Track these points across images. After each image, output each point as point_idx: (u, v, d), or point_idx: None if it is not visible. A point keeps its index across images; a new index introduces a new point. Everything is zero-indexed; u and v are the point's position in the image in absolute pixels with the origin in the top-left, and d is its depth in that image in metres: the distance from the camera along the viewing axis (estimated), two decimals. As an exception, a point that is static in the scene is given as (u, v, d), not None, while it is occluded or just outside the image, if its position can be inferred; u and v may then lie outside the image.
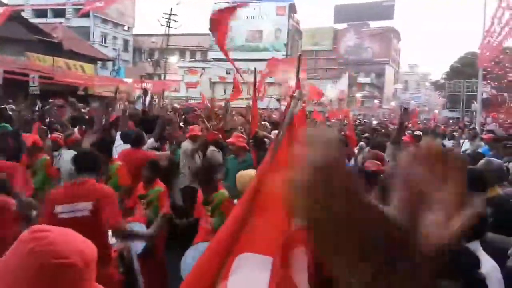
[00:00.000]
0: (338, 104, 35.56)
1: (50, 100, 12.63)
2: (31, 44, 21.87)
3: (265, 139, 5.10)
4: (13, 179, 3.45)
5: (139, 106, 9.36)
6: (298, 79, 2.16)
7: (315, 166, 0.43)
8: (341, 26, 63.71)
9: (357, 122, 16.39)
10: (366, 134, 8.10)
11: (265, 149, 4.41)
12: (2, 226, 3.15)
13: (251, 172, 1.89)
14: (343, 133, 6.73)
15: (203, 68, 41.99)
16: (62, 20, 35.79)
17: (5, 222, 3.35)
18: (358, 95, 52.83)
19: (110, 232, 2.78)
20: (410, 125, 12.66)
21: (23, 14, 25.06)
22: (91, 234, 2.65)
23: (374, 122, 15.35)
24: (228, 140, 5.09)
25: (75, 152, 5.31)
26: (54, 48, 23.53)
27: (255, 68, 5.34)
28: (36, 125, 5.07)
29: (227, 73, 34.81)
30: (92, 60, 27.76)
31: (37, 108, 11.19)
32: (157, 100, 10.77)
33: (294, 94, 1.45)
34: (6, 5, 17.71)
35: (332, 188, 0.42)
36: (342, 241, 0.41)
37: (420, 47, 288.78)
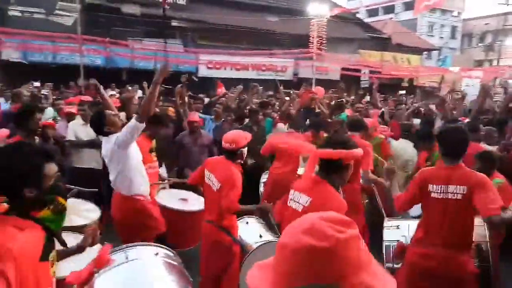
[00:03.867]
0: None
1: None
2: (363, 41, 24.28)
3: None
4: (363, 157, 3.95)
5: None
6: None
7: None
8: None
9: None
10: None
11: None
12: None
13: None
14: None
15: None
16: (391, 15, 37.66)
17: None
18: None
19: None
20: None
21: (358, 15, 28.14)
22: (459, 218, 2.71)
23: None
24: None
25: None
26: (383, 44, 25.21)
27: None
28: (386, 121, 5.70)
29: None
30: (418, 51, 27.87)
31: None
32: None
33: None
34: (342, 7, 20.45)
35: None
36: None
37: None
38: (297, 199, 2.26)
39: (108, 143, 3.36)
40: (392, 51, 25.09)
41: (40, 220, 1.61)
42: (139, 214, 3.43)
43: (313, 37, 18.63)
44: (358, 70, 22.08)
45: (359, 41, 23.99)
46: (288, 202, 2.36)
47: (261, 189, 5.11)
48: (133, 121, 3.20)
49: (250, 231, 3.45)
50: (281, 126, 6.14)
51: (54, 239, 1.68)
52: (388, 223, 3.62)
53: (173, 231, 3.82)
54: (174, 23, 18.77)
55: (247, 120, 6.35)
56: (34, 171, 1.57)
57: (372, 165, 4.03)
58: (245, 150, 3.33)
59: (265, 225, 3.76)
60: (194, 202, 4.18)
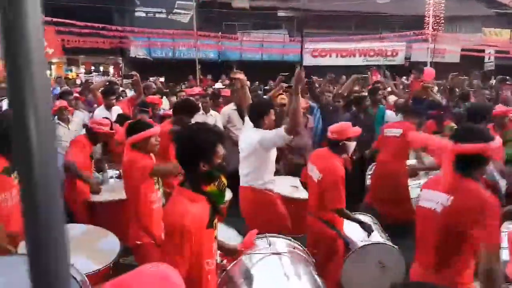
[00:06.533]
0: None
1: (507, 77, 12.14)
2: (488, 19, 21.64)
3: None
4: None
5: None
6: None
7: None
8: None
9: None
10: None
11: None
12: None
13: None
14: None
15: None
16: (524, -14, 32.77)
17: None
18: None
19: None
20: None
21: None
22: None
23: None
24: None
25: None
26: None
27: None
28: None
29: None
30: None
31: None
32: None
33: None
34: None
35: None
36: None
37: None
38: (434, 198, 2.06)
39: (250, 136, 3.39)
40: (524, 28, 21.94)
41: (207, 193, 1.88)
42: (269, 207, 3.44)
43: (428, 17, 17.27)
44: (481, 51, 19.83)
45: (482, 19, 21.46)
46: (419, 202, 2.21)
47: (367, 181, 4.88)
48: (282, 131, 3.18)
49: (359, 228, 3.23)
50: (391, 114, 5.83)
51: (217, 211, 1.96)
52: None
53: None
54: (281, 13, 19.06)
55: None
56: (210, 147, 1.84)
57: (502, 158, 3.60)
58: (350, 143, 3.18)
59: (378, 226, 3.58)
60: (304, 191, 4.18)
